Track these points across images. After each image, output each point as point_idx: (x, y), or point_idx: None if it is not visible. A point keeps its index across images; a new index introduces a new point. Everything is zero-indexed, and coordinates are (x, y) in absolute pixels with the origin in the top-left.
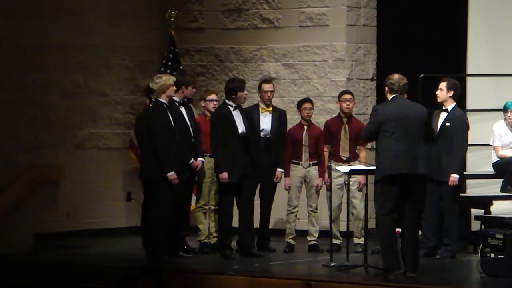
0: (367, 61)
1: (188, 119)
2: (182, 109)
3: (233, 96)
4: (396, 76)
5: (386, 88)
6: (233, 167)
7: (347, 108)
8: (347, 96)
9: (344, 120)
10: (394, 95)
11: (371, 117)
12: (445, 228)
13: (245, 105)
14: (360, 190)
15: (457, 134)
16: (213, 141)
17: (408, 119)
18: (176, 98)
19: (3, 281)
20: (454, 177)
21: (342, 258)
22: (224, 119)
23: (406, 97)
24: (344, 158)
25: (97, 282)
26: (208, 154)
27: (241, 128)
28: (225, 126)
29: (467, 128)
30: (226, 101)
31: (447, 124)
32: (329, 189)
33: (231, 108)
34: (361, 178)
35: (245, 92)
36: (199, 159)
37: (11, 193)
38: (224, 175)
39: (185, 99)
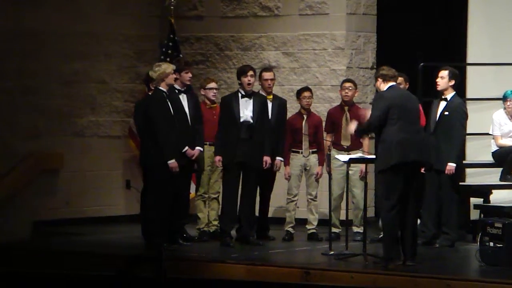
0: (367, 49)
1: (189, 107)
2: (183, 97)
3: (240, 82)
4: (385, 66)
5: (380, 79)
6: (227, 153)
7: (346, 96)
8: (347, 84)
9: (345, 108)
10: (389, 85)
11: (377, 104)
12: (444, 217)
13: None
14: (362, 178)
15: (455, 123)
16: (218, 126)
17: (408, 107)
18: (177, 86)
19: (2, 269)
20: (451, 165)
21: (341, 246)
22: (227, 105)
23: (408, 86)
24: (345, 147)
25: (96, 270)
26: (208, 143)
27: (244, 116)
28: (227, 112)
29: (466, 117)
30: (239, 88)
31: (446, 113)
32: (330, 177)
33: (240, 95)
34: (362, 166)
35: (248, 77)
36: (197, 148)
37: (10, 181)
38: (216, 158)
39: (185, 87)
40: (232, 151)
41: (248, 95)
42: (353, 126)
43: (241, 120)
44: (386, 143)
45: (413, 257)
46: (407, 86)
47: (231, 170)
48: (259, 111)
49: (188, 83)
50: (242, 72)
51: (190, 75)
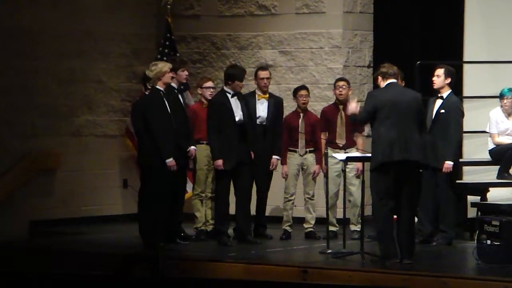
0: (363, 48)
1: (184, 106)
2: (180, 96)
3: (230, 83)
4: (386, 64)
5: (379, 77)
6: (229, 154)
7: (340, 95)
8: (341, 83)
9: (340, 107)
10: (388, 82)
11: (366, 103)
12: (441, 215)
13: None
14: (358, 176)
15: (452, 121)
16: (209, 128)
17: (402, 105)
18: (174, 85)
19: None
20: (448, 163)
21: (339, 245)
22: (220, 106)
23: (404, 84)
24: (341, 145)
25: (94, 269)
26: (205, 142)
27: (238, 115)
28: (222, 113)
29: (462, 115)
30: (224, 87)
31: (442, 111)
32: (326, 176)
33: (229, 95)
34: (358, 165)
35: (243, 82)
36: (192, 146)
37: (7, 180)
38: (219, 162)
39: (182, 86)
40: (234, 153)
41: (235, 93)
42: (353, 104)
43: (236, 120)
44: (375, 143)
45: (410, 255)
46: (403, 85)
47: (226, 171)
48: (247, 109)
49: (185, 81)
50: (239, 77)
51: (186, 73)
